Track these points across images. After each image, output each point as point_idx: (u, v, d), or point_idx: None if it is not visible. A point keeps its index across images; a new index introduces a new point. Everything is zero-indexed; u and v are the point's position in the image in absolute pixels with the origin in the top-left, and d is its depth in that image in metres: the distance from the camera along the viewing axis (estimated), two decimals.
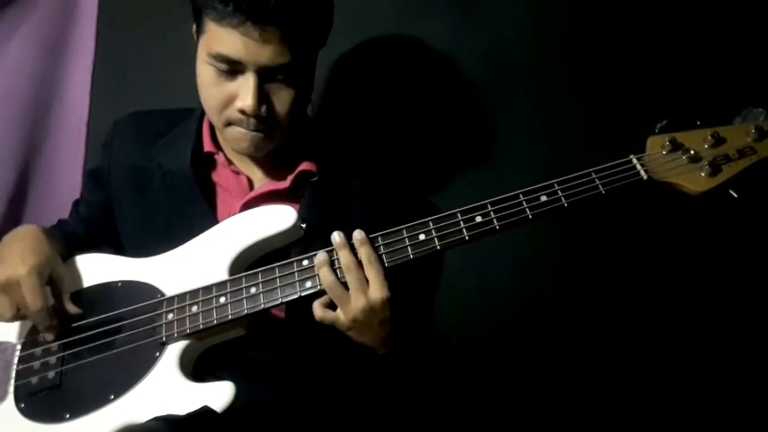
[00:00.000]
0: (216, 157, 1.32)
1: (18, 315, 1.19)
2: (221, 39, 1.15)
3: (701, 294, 1.55)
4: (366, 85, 1.63)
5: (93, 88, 1.72)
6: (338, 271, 1.11)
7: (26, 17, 1.69)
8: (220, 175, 1.33)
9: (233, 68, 1.17)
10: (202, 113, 1.37)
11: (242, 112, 1.18)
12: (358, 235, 1.10)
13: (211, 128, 1.35)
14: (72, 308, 1.21)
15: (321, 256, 1.11)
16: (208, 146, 1.33)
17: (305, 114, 1.34)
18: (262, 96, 1.18)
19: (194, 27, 1.26)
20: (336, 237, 1.11)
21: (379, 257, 1.10)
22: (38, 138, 1.71)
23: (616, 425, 1.55)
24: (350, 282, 1.09)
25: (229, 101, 1.19)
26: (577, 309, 1.59)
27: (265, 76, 1.17)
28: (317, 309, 1.13)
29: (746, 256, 1.53)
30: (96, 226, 1.40)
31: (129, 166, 1.37)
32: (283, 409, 1.21)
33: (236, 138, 1.23)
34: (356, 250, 1.10)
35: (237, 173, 1.31)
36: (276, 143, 1.25)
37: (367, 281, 1.09)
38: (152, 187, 1.34)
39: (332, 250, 1.12)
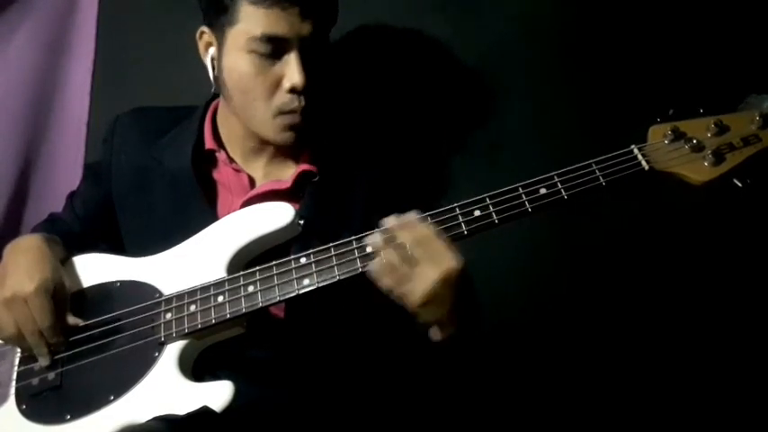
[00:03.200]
0: (217, 154, 1.32)
1: (19, 334, 1.17)
2: (263, 20, 1.17)
3: (704, 288, 1.53)
4: (367, 84, 1.62)
5: (93, 88, 1.73)
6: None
7: (26, 17, 1.70)
8: (221, 173, 1.33)
9: (276, 48, 1.19)
10: (205, 111, 1.37)
11: (292, 90, 1.20)
12: (416, 214, 1.07)
13: (214, 125, 1.35)
14: (73, 320, 1.20)
15: (377, 237, 1.06)
16: (209, 143, 1.33)
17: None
18: (308, 70, 1.19)
19: (203, 30, 1.27)
20: (393, 219, 1.07)
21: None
22: (38, 137, 1.72)
23: (617, 424, 1.53)
24: (420, 256, 1.03)
25: (276, 85, 1.21)
26: (577, 307, 1.57)
27: (306, 52, 1.19)
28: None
29: (752, 248, 1.50)
30: (93, 223, 1.40)
31: (130, 163, 1.37)
32: (282, 408, 1.20)
33: (286, 124, 1.23)
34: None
35: (238, 171, 1.31)
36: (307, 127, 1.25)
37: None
38: (153, 184, 1.34)
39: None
